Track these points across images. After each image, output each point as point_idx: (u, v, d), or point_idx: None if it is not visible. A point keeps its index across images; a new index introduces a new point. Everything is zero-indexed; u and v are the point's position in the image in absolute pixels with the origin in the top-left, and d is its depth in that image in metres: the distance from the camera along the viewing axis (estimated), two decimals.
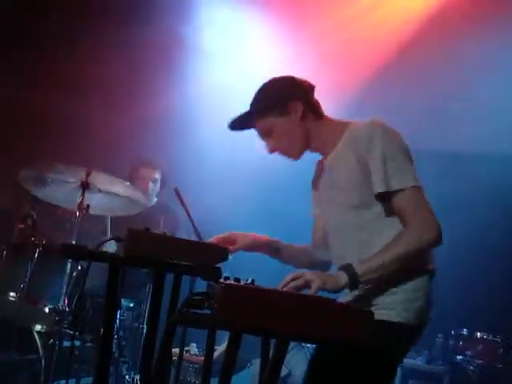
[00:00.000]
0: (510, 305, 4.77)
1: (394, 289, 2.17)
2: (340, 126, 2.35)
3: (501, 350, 4.54)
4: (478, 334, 4.55)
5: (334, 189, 2.32)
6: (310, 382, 2.37)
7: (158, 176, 4.76)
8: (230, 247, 2.39)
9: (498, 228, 5.05)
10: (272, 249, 2.56)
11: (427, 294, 2.22)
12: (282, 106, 2.32)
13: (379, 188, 2.16)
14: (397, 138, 2.23)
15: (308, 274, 2.03)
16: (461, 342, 4.66)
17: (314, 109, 2.37)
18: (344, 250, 2.30)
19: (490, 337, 4.54)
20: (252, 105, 2.39)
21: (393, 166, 2.15)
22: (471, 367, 4.54)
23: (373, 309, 2.16)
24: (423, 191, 2.19)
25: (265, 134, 2.39)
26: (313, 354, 2.44)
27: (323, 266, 2.50)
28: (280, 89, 2.37)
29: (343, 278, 2.05)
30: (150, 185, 4.72)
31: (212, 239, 2.42)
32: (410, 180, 2.16)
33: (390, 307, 2.16)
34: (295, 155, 2.40)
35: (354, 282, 2.06)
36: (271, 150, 2.39)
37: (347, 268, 2.07)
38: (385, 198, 2.19)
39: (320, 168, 2.50)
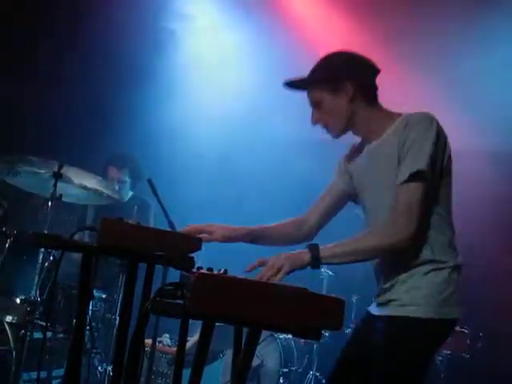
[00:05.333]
0: (478, 297, 4.87)
1: (417, 285, 2.20)
2: (390, 116, 2.34)
3: (468, 340, 4.63)
4: None
5: (377, 174, 2.33)
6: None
7: (125, 177, 4.71)
8: (206, 236, 2.37)
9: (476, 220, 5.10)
10: (251, 237, 2.53)
11: (453, 288, 2.22)
12: (333, 84, 2.33)
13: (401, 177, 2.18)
14: (438, 135, 2.19)
15: (277, 261, 2.09)
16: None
17: (366, 93, 2.36)
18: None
19: (458, 328, 4.62)
20: (310, 72, 2.40)
21: (412, 155, 2.16)
22: (439, 357, 4.62)
23: (394, 305, 2.23)
24: (428, 183, 2.17)
25: (314, 105, 2.40)
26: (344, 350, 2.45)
27: (303, 240, 2.54)
28: (335, 65, 2.37)
29: (307, 257, 2.14)
30: (117, 185, 4.67)
31: (187, 228, 2.39)
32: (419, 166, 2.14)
33: (414, 303, 2.19)
34: (335, 133, 2.40)
35: (315, 263, 2.14)
36: (315, 122, 2.41)
37: (313, 248, 2.15)
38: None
39: (357, 150, 2.48)
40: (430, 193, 2.19)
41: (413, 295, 2.19)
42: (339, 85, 2.32)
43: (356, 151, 2.49)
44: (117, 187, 4.64)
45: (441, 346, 2.37)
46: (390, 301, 2.25)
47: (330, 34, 5.23)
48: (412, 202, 2.14)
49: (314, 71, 2.40)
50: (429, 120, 2.22)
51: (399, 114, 2.33)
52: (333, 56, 2.41)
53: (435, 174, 2.19)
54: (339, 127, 2.37)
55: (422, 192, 2.16)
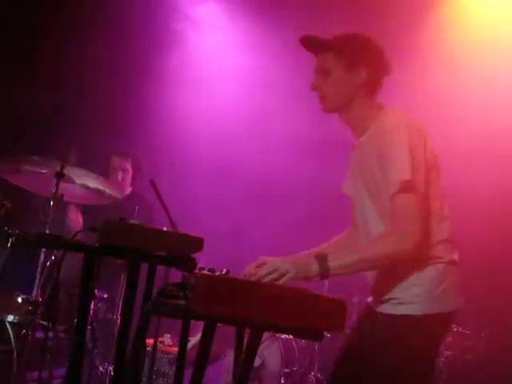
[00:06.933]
0: (479, 297, 4.86)
1: (413, 282, 2.21)
2: (376, 110, 2.34)
3: (470, 341, 4.62)
4: None
5: (362, 174, 2.35)
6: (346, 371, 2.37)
7: (128, 166, 4.74)
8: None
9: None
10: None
11: (450, 281, 2.24)
12: (352, 61, 2.32)
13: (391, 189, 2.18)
14: (415, 138, 2.20)
15: (282, 266, 2.07)
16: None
17: (373, 86, 2.36)
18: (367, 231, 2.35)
19: (460, 329, 4.61)
20: (333, 37, 2.38)
21: (395, 166, 2.16)
22: (441, 358, 4.61)
23: (394, 303, 2.24)
24: (419, 187, 2.17)
25: (320, 70, 2.37)
26: (346, 346, 2.43)
27: None
28: (362, 46, 2.37)
29: (315, 268, 2.12)
30: (120, 174, 4.69)
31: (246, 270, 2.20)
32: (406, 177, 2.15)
33: (411, 301, 2.20)
34: (328, 108, 2.39)
35: (324, 274, 2.13)
36: (313, 88, 2.37)
37: (321, 259, 2.13)
38: None
39: (352, 148, 2.47)
40: (424, 196, 2.19)
41: (410, 293, 2.21)
42: (356, 66, 2.33)
43: (352, 148, 2.49)
44: (120, 177, 4.66)
45: (442, 341, 2.39)
46: (388, 299, 2.26)
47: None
48: (410, 209, 2.15)
49: (339, 39, 2.38)
50: (400, 124, 2.22)
51: (380, 109, 2.34)
52: (362, 38, 2.40)
53: (422, 176, 2.18)
54: (336, 103, 2.36)
55: (416, 197, 2.16)
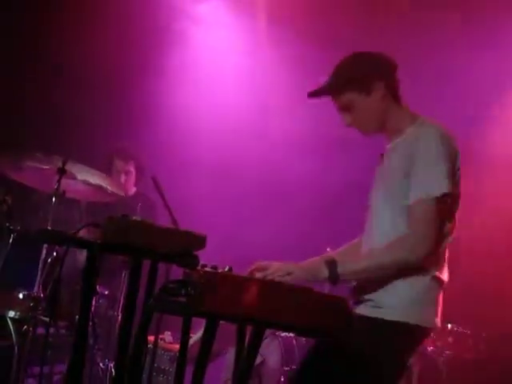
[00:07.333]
0: (480, 297, 4.86)
1: (397, 289, 2.19)
2: (411, 117, 2.33)
3: (471, 341, 4.62)
4: (449, 325, 4.61)
5: (385, 176, 2.33)
6: (305, 376, 2.36)
7: (131, 168, 4.74)
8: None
9: None
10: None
11: (432, 298, 2.23)
12: (364, 84, 2.31)
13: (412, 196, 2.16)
14: (447, 148, 2.19)
15: (289, 268, 2.10)
16: (432, 334, 4.71)
17: (393, 90, 2.35)
18: (373, 234, 2.32)
19: (461, 329, 4.61)
20: (334, 77, 2.35)
21: (425, 175, 2.15)
22: (441, 358, 4.61)
23: (370, 306, 2.22)
24: (441, 201, 2.15)
25: (343, 109, 2.36)
26: (309, 350, 2.39)
27: None
28: (364, 66, 2.35)
29: (324, 272, 2.13)
30: (123, 177, 4.69)
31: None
32: (433, 189, 2.14)
33: (389, 306, 2.18)
34: (369, 133, 2.40)
35: (333, 279, 2.13)
36: (348, 125, 2.37)
37: (331, 264, 2.13)
38: None
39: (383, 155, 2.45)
40: (444, 210, 2.18)
41: (390, 298, 2.19)
42: (371, 85, 2.31)
43: (383, 153, 2.47)
44: (123, 179, 4.66)
45: (411, 353, 2.32)
46: (366, 300, 2.24)
47: (335, 32, 5.22)
48: (427, 221, 2.14)
49: (339, 74, 2.35)
50: (438, 136, 2.20)
51: (416, 117, 2.33)
52: (357, 57, 2.39)
53: (447, 192, 2.16)
54: (373, 127, 2.37)
55: (436, 210, 2.15)
